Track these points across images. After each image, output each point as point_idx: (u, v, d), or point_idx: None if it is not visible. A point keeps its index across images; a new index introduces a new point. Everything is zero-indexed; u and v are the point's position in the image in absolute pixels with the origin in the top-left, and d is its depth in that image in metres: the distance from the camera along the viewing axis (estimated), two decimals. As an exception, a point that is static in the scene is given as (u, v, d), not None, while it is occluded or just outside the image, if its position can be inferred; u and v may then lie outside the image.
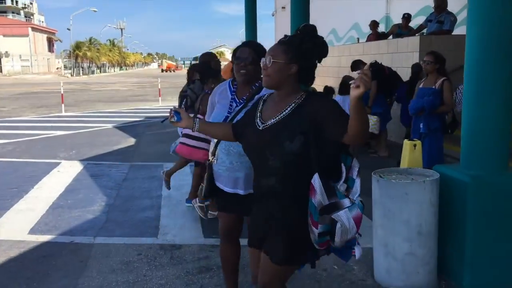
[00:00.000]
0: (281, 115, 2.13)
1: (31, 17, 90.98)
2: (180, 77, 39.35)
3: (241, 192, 2.67)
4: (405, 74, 8.31)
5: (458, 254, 3.31)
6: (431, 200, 3.22)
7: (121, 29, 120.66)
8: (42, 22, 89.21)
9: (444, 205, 3.33)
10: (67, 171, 7.15)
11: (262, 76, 2.17)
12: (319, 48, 2.14)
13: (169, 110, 2.52)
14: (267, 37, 35.03)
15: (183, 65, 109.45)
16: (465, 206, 3.22)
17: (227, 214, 2.85)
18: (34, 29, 72.65)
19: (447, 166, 3.68)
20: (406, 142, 4.54)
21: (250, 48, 2.63)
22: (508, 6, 3.11)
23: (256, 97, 2.52)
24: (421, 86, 5.34)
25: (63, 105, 16.35)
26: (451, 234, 3.37)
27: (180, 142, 4.42)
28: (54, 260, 3.93)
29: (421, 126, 5.16)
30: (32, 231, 4.63)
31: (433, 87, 5.05)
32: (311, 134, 2.05)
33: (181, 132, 4.56)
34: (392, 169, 3.63)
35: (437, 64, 4.99)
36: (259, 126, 2.19)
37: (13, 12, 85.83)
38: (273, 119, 2.15)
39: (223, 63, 8.11)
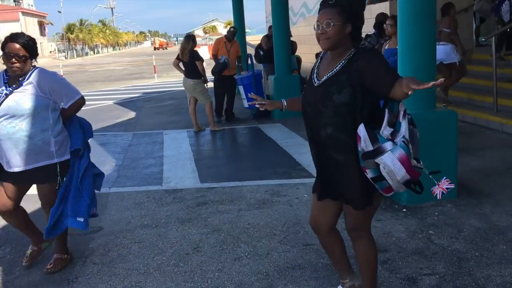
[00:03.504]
0: (333, 71, 2.28)
1: (20, 1, 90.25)
2: (173, 54, 39.80)
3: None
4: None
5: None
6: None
7: (112, 9, 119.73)
8: (32, 6, 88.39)
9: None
10: (78, 142, 8.01)
11: (319, 40, 2.28)
12: (363, 6, 2.34)
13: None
14: (258, 8, 35.25)
15: (176, 42, 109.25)
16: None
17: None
18: (24, 13, 72.23)
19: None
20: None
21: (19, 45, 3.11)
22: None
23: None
24: (386, 47, 6.11)
25: (63, 86, 17.10)
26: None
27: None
28: (79, 205, 4.83)
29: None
30: (57, 187, 5.53)
31: (396, 47, 5.84)
32: (358, 86, 2.19)
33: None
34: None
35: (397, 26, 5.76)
36: (315, 83, 2.36)
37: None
38: (326, 75, 2.31)
39: (215, 37, 8.91)
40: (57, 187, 3.29)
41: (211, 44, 29.87)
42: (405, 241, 3.55)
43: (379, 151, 2.14)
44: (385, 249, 3.43)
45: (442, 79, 1.89)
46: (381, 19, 7.03)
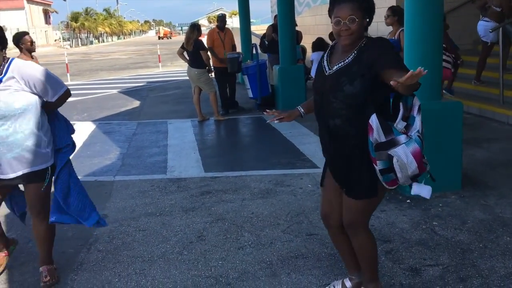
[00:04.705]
0: (345, 62, 2.26)
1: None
2: (177, 43, 39.70)
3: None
4: (384, 28, 9.00)
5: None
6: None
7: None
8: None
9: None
10: (82, 130, 8.03)
11: (341, 36, 2.23)
12: None
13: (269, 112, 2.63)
14: (263, -2, 34.96)
15: (180, 31, 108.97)
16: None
17: None
18: (29, 1, 72.12)
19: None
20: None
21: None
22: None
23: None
24: (388, 37, 6.10)
25: (68, 74, 17.14)
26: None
27: None
28: (84, 193, 4.86)
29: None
30: (61, 175, 5.55)
31: (394, 37, 5.82)
32: (368, 76, 2.16)
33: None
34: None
35: (395, 16, 5.74)
36: (326, 72, 2.33)
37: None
38: (337, 65, 2.28)
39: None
40: (43, 188, 3.00)
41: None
42: (408, 231, 3.55)
43: (393, 143, 2.12)
44: (388, 240, 3.43)
45: (421, 69, 1.80)
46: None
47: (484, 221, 3.66)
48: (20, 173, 2.90)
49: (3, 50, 2.83)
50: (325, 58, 2.40)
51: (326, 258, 3.23)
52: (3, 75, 2.78)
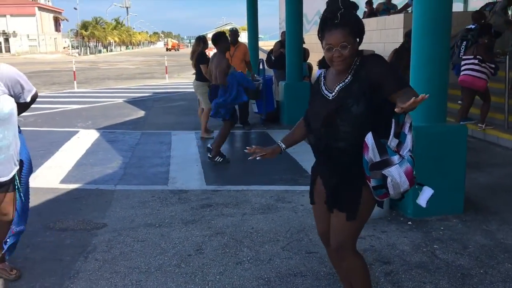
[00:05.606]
0: (345, 83, 2.24)
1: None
2: (184, 55, 40.19)
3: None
4: (391, 48, 9.04)
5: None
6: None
7: (127, 8, 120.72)
8: (48, 1, 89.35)
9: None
10: (86, 138, 8.06)
11: (334, 62, 2.22)
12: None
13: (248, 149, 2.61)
14: (273, 14, 35.31)
15: (188, 44, 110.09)
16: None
17: None
18: (40, 8, 73.04)
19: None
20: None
21: None
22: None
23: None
24: None
25: (75, 82, 17.25)
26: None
27: (464, 74, 6.46)
28: (84, 200, 4.85)
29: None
30: (63, 181, 5.56)
31: None
32: (368, 94, 2.17)
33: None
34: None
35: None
36: (328, 97, 2.30)
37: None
38: (337, 87, 2.27)
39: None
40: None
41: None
42: (409, 254, 3.52)
43: (387, 163, 2.14)
44: (388, 261, 3.40)
45: (425, 95, 1.85)
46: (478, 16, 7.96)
47: (486, 247, 3.62)
48: (2, 179, 2.87)
49: None
50: (321, 83, 2.38)
51: (325, 277, 3.19)
52: None
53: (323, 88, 2.35)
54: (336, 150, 2.27)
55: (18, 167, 3.00)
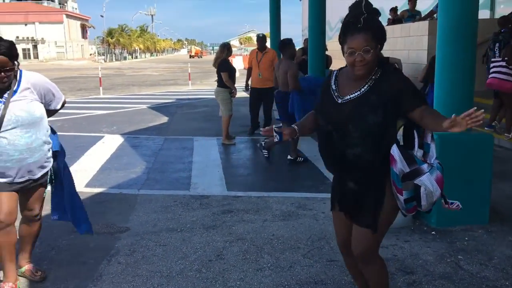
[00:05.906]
0: (361, 91, 2.23)
1: (65, 4, 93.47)
2: (207, 62, 40.60)
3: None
4: (415, 56, 8.96)
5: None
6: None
7: (152, 16, 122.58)
8: (76, 9, 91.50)
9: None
10: (111, 143, 8.19)
11: (355, 67, 2.20)
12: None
13: (271, 130, 2.45)
14: (295, 21, 35.38)
15: (212, 50, 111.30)
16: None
17: None
18: (68, 16, 74.78)
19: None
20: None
21: None
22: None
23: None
24: None
25: (101, 88, 17.59)
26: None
27: (491, 77, 6.36)
28: (108, 204, 4.93)
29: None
30: (87, 185, 5.66)
31: None
32: (389, 107, 2.18)
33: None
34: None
35: None
36: (338, 100, 2.30)
37: (47, 0, 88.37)
38: (353, 94, 2.25)
39: (250, 49, 8.89)
40: (46, 189, 3.24)
41: (247, 55, 30.21)
42: (432, 264, 3.46)
43: (418, 173, 2.15)
44: (411, 271, 3.35)
45: (480, 111, 1.90)
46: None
47: (511, 258, 3.54)
48: (36, 176, 3.10)
49: (16, 62, 2.90)
50: (332, 85, 2.36)
51: (346, 286, 3.17)
52: (17, 86, 2.95)
53: (333, 91, 2.34)
54: (353, 157, 2.27)
55: (51, 163, 3.22)
